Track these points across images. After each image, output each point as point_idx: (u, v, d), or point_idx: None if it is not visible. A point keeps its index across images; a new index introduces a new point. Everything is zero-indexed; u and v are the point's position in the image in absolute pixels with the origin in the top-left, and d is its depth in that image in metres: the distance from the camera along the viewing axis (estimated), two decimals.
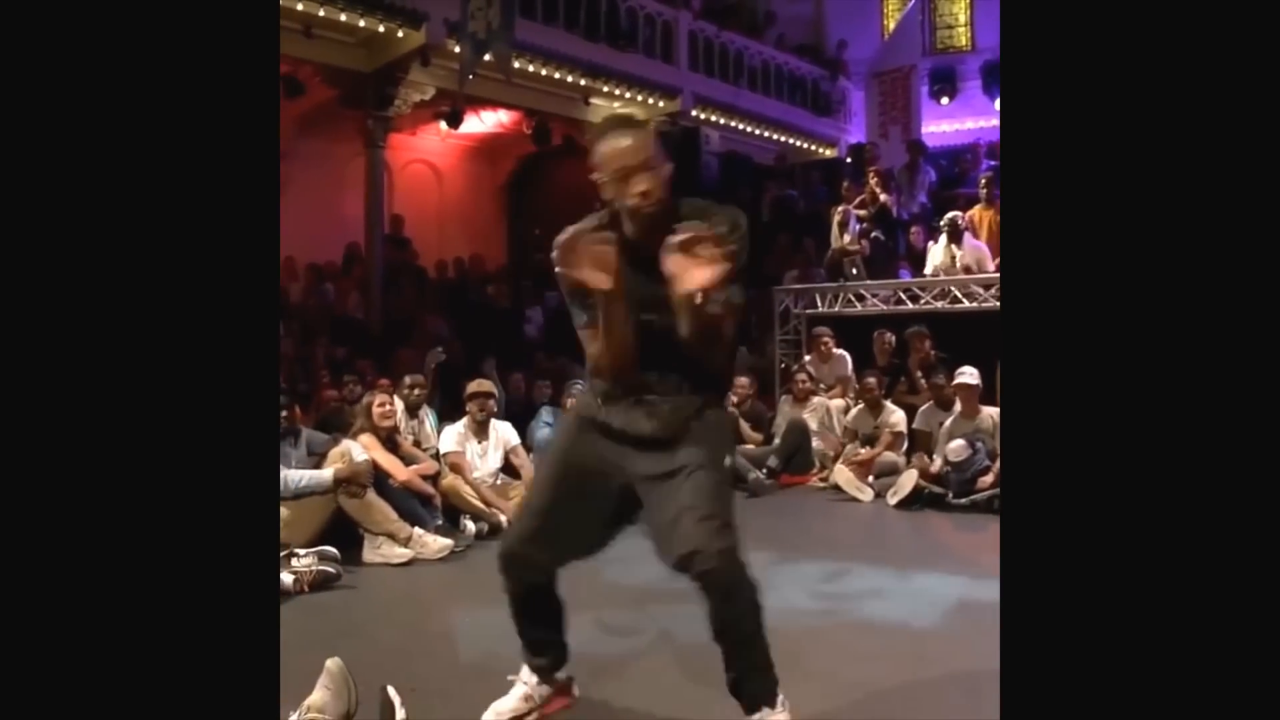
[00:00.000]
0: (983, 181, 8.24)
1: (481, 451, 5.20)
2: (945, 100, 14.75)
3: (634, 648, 3.07)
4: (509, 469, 5.27)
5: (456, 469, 4.98)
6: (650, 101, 12.03)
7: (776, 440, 6.60)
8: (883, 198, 8.82)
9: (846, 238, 8.01)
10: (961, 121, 14.86)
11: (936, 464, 5.72)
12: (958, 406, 5.87)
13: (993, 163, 10.50)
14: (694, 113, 12.43)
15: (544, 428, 5.82)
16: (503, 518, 4.89)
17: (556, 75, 10.71)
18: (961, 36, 16.15)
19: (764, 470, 6.22)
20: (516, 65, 9.48)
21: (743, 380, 7.02)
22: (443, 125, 11.82)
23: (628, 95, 11.77)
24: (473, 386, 5.28)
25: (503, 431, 5.30)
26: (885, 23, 16.19)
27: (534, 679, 2.49)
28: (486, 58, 8.99)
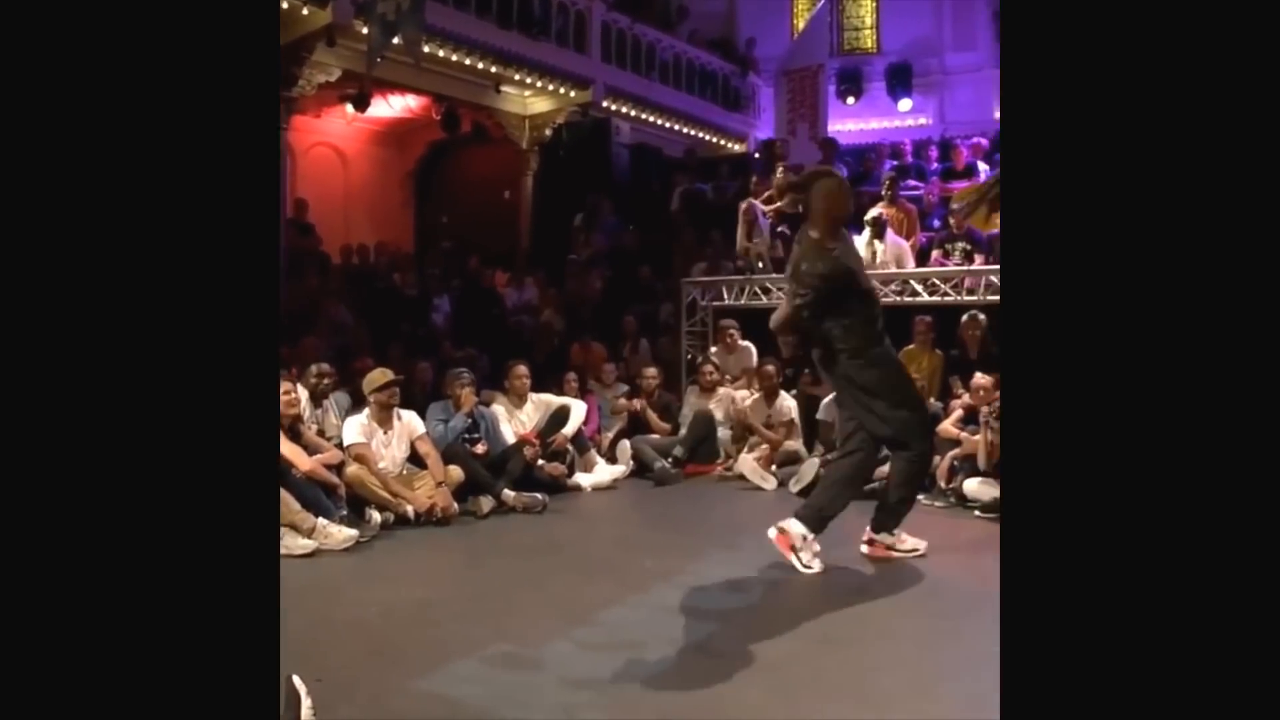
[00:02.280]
0: (886, 181, 8.48)
1: (386, 441, 5.14)
2: (851, 100, 15.09)
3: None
4: (415, 458, 5.23)
5: (362, 459, 4.92)
6: (562, 91, 11.99)
7: (683, 430, 6.71)
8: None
9: (754, 233, 8.14)
10: (866, 121, 15.24)
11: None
12: None
13: (895, 162, 10.82)
14: (605, 104, 12.45)
15: (437, 424, 5.59)
16: (409, 508, 4.85)
17: (467, 61, 10.58)
18: (867, 39, 16.52)
19: (670, 459, 6.32)
20: (426, 49, 9.33)
21: (650, 371, 7.11)
22: (349, 108, 11.56)
23: (539, 84, 11.71)
24: (376, 376, 5.18)
25: (408, 421, 5.25)
26: (795, 21, 16.46)
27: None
28: (395, 40, 8.83)
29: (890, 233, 7.67)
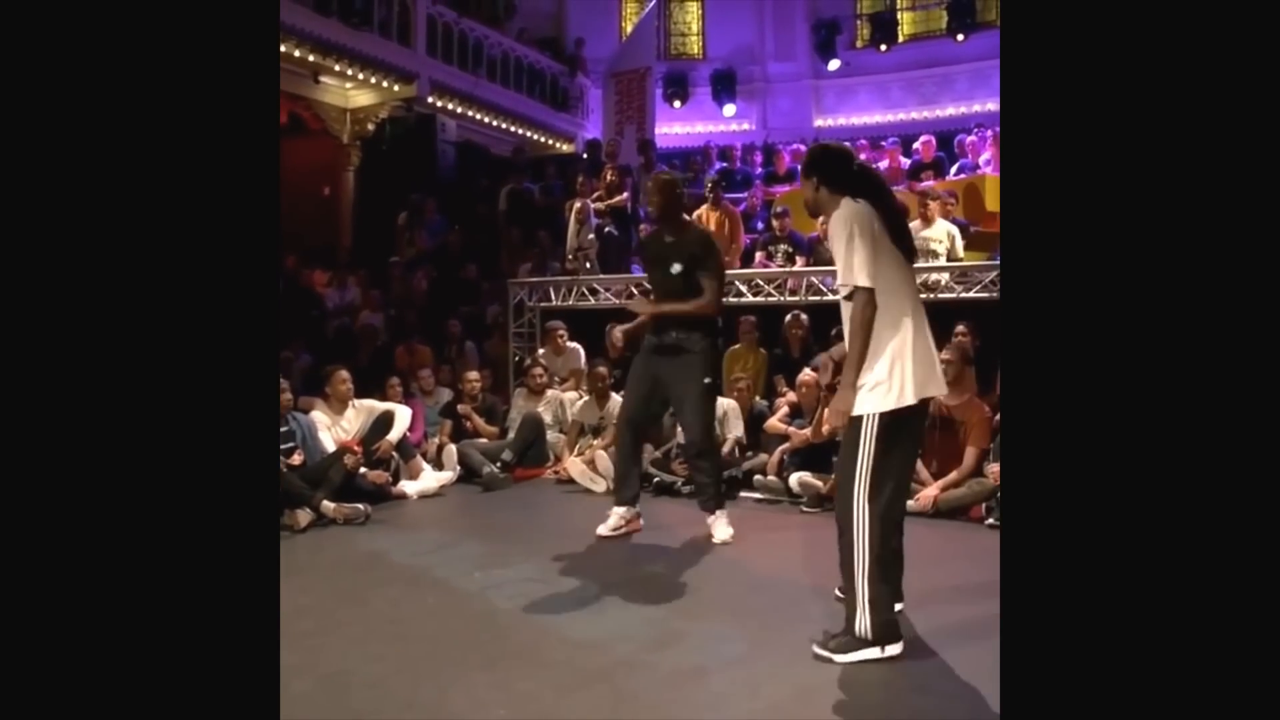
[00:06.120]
0: (709, 184, 8.62)
1: None
2: (678, 104, 15.38)
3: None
4: None
5: None
6: (385, 85, 11.60)
7: (511, 434, 6.58)
8: (623, 195, 9.02)
9: (585, 232, 8.12)
10: (692, 125, 15.58)
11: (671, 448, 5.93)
12: None
13: (721, 164, 11.05)
14: (431, 99, 12.13)
15: None
16: None
17: (283, 49, 10.05)
18: (694, 44, 16.89)
19: (498, 464, 6.18)
20: None
21: (471, 374, 6.94)
22: None
23: (361, 76, 11.28)
24: None
25: None
26: (623, 24, 16.60)
27: (623, 509, 4.57)
28: None
29: None
